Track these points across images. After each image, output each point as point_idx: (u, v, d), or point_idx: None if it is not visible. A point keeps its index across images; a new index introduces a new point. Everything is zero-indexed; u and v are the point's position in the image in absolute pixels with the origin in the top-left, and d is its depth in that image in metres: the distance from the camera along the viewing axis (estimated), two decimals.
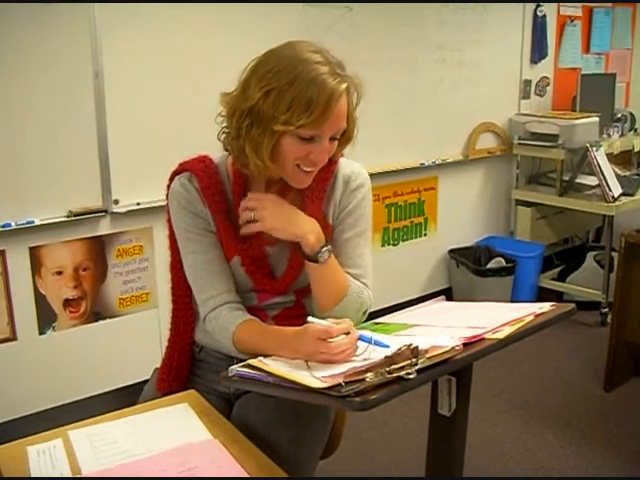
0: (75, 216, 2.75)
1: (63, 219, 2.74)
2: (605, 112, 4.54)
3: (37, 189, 2.66)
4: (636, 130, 4.99)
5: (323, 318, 1.39)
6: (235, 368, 1.39)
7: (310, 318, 1.38)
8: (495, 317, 1.44)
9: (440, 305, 1.93)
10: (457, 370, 1.38)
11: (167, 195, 1.64)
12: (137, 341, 3.04)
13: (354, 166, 1.67)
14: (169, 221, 1.65)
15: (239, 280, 1.63)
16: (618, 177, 4.16)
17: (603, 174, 3.97)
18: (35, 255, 2.73)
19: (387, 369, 1.17)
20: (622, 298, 3.22)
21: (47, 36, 2.58)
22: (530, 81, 4.63)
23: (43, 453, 1.31)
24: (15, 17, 2.50)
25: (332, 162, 1.60)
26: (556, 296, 4.32)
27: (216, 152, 1.62)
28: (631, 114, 4.97)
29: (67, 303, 2.85)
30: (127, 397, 1.78)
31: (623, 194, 4.07)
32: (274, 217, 1.53)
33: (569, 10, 4.79)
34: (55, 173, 2.69)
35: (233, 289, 1.62)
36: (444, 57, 4.01)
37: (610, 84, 4.84)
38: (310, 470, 1.63)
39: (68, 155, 2.72)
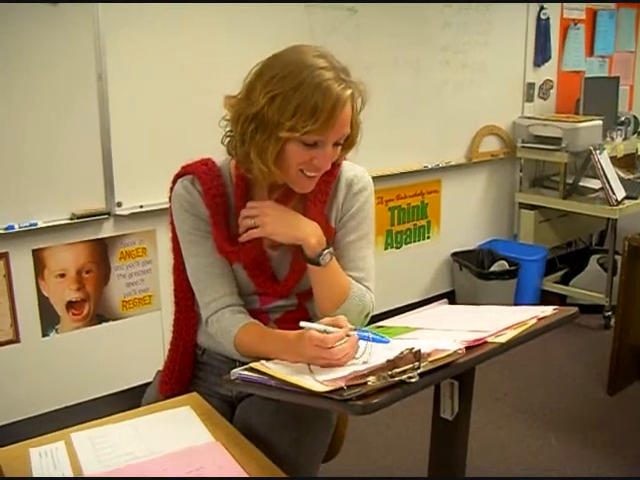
0: (78, 218, 2.76)
1: (66, 221, 2.74)
2: (609, 115, 4.54)
3: (40, 191, 2.66)
4: (639, 133, 4.98)
5: (321, 318, 1.39)
6: (237, 371, 1.39)
7: (302, 323, 1.37)
8: (498, 320, 1.44)
9: (443, 308, 1.93)
10: (459, 374, 1.38)
11: (170, 198, 1.64)
12: (140, 344, 3.04)
13: (357, 169, 1.67)
14: (172, 224, 1.66)
15: (241, 283, 1.63)
16: (622, 180, 4.15)
17: (606, 177, 3.96)
18: (38, 257, 2.73)
19: (389, 373, 1.17)
20: (625, 301, 3.21)
21: (50, 36, 2.58)
22: (534, 84, 4.63)
23: (45, 455, 1.31)
24: (19, 17, 2.50)
25: (335, 165, 1.60)
26: (559, 299, 4.31)
27: (219, 155, 1.62)
28: (635, 117, 4.97)
29: (70, 305, 2.85)
30: (130, 399, 1.78)
31: (627, 197, 4.06)
32: (275, 222, 1.53)
33: (573, 13, 4.78)
34: (58, 175, 2.70)
35: (235, 292, 1.62)
36: (448, 59, 4.01)
37: (614, 87, 4.84)
38: (312, 473, 1.63)
39: (71, 157, 2.72)
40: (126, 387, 2.97)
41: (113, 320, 2.98)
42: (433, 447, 1.58)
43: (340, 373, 1.22)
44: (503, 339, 1.34)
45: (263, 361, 1.39)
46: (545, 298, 4.34)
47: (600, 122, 4.25)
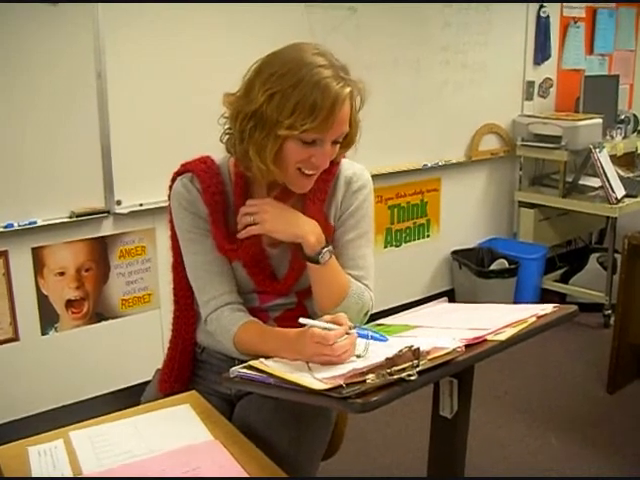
0: (78, 217, 2.76)
1: (66, 220, 2.74)
2: (608, 114, 4.53)
3: (40, 190, 2.66)
4: (639, 132, 4.98)
5: (320, 316, 1.39)
6: (236, 369, 1.39)
7: (302, 320, 1.37)
8: (497, 319, 1.43)
9: (442, 306, 1.94)
10: (459, 372, 1.38)
11: (169, 196, 1.64)
12: (139, 342, 3.04)
13: (356, 167, 1.67)
14: (171, 222, 1.66)
15: (241, 281, 1.63)
16: (621, 179, 4.15)
17: (606, 176, 3.96)
18: (37, 256, 2.73)
19: (388, 371, 1.17)
20: (625, 300, 3.21)
21: (50, 36, 2.58)
22: (533, 82, 4.63)
23: (44, 454, 1.31)
24: (18, 17, 2.50)
25: (334, 164, 1.60)
26: (559, 298, 4.31)
27: (218, 153, 1.62)
28: (634, 116, 4.96)
29: (69, 304, 2.85)
30: (129, 398, 1.78)
31: (626, 196, 4.06)
32: (274, 219, 1.53)
33: (573, 11, 4.78)
34: (58, 174, 2.69)
35: (234, 290, 1.62)
36: (448, 59, 4.01)
37: (613, 86, 4.84)
38: (311, 471, 1.63)
39: (71, 156, 2.72)
40: (125, 385, 2.97)
41: (112, 318, 2.98)
42: (432, 445, 1.58)
43: (339, 371, 1.22)
44: (503, 337, 1.34)
45: (262, 359, 1.39)
46: (545, 296, 4.34)
47: (600, 120, 4.25)
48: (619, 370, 3.31)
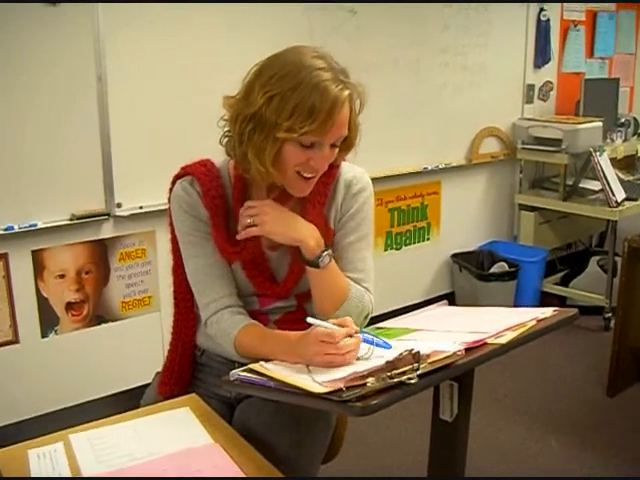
0: (78, 219, 2.75)
1: (66, 222, 2.74)
2: (608, 117, 4.54)
3: (40, 192, 2.66)
4: (639, 135, 4.98)
5: (324, 319, 1.39)
6: (236, 372, 1.39)
7: (310, 319, 1.37)
8: (497, 322, 1.43)
9: (443, 310, 1.93)
10: (459, 375, 1.38)
11: (169, 199, 1.64)
12: (139, 345, 3.03)
13: (356, 170, 1.67)
14: (171, 225, 1.66)
15: (240, 284, 1.63)
16: (621, 182, 4.15)
17: (606, 179, 3.96)
18: (38, 258, 2.73)
19: (388, 374, 1.17)
20: (625, 303, 3.21)
21: (50, 37, 2.58)
22: (533, 86, 4.63)
23: (44, 456, 1.30)
24: (18, 18, 2.50)
25: (334, 167, 1.60)
26: (559, 301, 4.31)
27: (219, 156, 1.62)
28: (635, 119, 4.96)
29: (69, 306, 2.85)
30: (129, 401, 1.78)
31: (626, 199, 4.06)
32: (273, 221, 1.53)
33: (573, 15, 4.78)
34: (58, 176, 2.69)
35: (235, 293, 1.62)
36: (447, 61, 4.01)
37: (614, 89, 4.84)
38: (312, 474, 1.63)
39: (71, 158, 2.72)
40: (125, 388, 2.96)
41: (112, 321, 2.98)
42: (432, 448, 1.58)
43: (339, 374, 1.22)
44: (503, 340, 1.34)
45: (262, 362, 1.39)
46: (545, 299, 4.34)
47: (600, 124, 4.26)
48: (619, 373, 3.30)
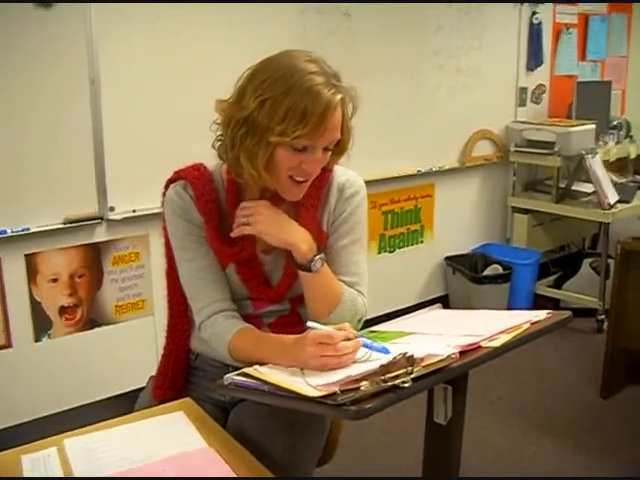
0: (71, 223, 2.75)
1: (59, 226, 2.73)
2: (601, 119, 4.55)
3: (33, 196, 2.66)
4: (632, 137, 5.00)
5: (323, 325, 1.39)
6: (230, 376, 1.38)
7: (310, 323, 1.38)
8: (491, 325, 1.44)
9: (437, 313, 1.94)
10: (453, 378, 1.38)
11: (162, 203, 1.64)
12: (133, 348, 3.03)
13: (349, 174, 1.67)
14: (165, 229, 1.65)
15: (234, 288, 1.63)
16: (614, 184, 4.17)
17: (599, 181, 3.97)
18: (31, 262, 2.72)
19: (382, 378, 1.17)
20: (618, 305, 3.22)
21: (42, 41, 2.57)
22: (526, 88, 4.64)
23: (37, 462, 1.30)
24: (9, 21, 2.49)
25: (327, 170, 1.60)
26: (552, 303, 4.32)
27: (212, 160, 1.62)
28: (627, 121, 4.99)
29: (63, 310, 2.84)
30: (123, 404, 1.78)
31: (619, 201, 4.07)
32: (266, 222, 1.53)
33: (565, 18, 4.80)
34: (51, 180, 2.69)
35: (228, 297, 1.61)
36: (441, 63, 4.01)
37: (606, 91, 4.85)
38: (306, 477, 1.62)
39: (64, 162, 2.71)
40: (119, 392, 2.96)
41: (106, 325, 2.97)
42: (427, 451, 1.58)
43: (333, 378, 1.22)
44: (497, 343, 1.34)
45: (256, 366, 1.39)
46: (538, 302, 4.35)
47: (593, 126, 4.27)
48: (613, 375, 3.31)
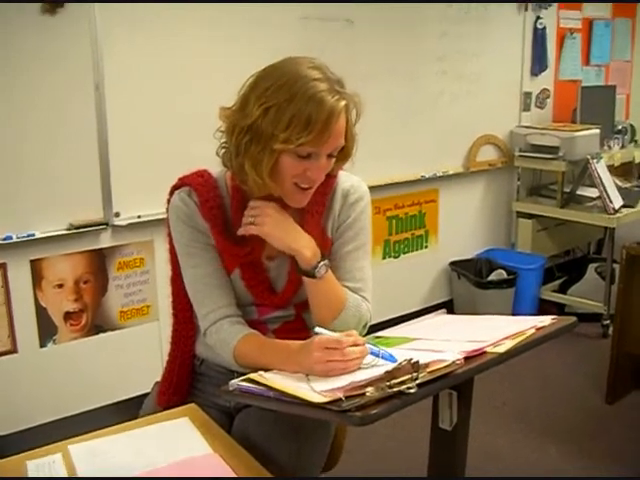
0: (76, 229, 2.75)
1: (64, 232, 2.74)
2: (605, 124, 4.55)
3: (38, 202, 2.66)
4: (636, 142, 5.00)
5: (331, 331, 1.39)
6: (236, 382, 1.38)
7: (318, 329, 1.38)
8: (496, 330, 1.43)
9: (442, 318, 1.93)
10: (458, 384, 1.38)
11: (167, 209, 1.64)
12: (138, 354, 3.03)
13: (353, 180, 1.67)
14: (169, 235, 1.66)
15: (239, 294, 1.63)
16: (619, 189, 4.16)
17: (604, 186, 3.97)
18: (36, 268, 2.73)
19: (387, 383, 1.17)
20: (623, 310, 3.22)
21: (48, 46, 2.58)
22: (530, 93, 4.64)
23: (42, 468, 1.30)
24: (15, 26, 2.50)
25: (331, 177, 1.61)
26: (557, 308, 4.31)
27: (216, 166, 1.62)
28: (631, 126, 4.99)
29: (68, 316, 2.84)
30: (128, 410, 1.78)
31: (624, 206, 4.07)
32: (272, 224, 1.53)
33: (569, 22, 4.80)
34: (56, 186, 2.70)
35: (233, 303, 1.62)
36: (444, 69, 4.02)
37: (610, 96, 4.86)
38: None
39: (69, 168, 2.72)
40: (124, 398, 2.96)
41: (111, 330, 2.97)
42: (432, 457, 1.58)
43: (338, 384, 1.22)
44: (502, 349, 1.34)
45: (261, 372, 1.39)
46: (543, 307, 4.34)
47: (597, 131, 4.27)
48: (618, 380, 3.30)
